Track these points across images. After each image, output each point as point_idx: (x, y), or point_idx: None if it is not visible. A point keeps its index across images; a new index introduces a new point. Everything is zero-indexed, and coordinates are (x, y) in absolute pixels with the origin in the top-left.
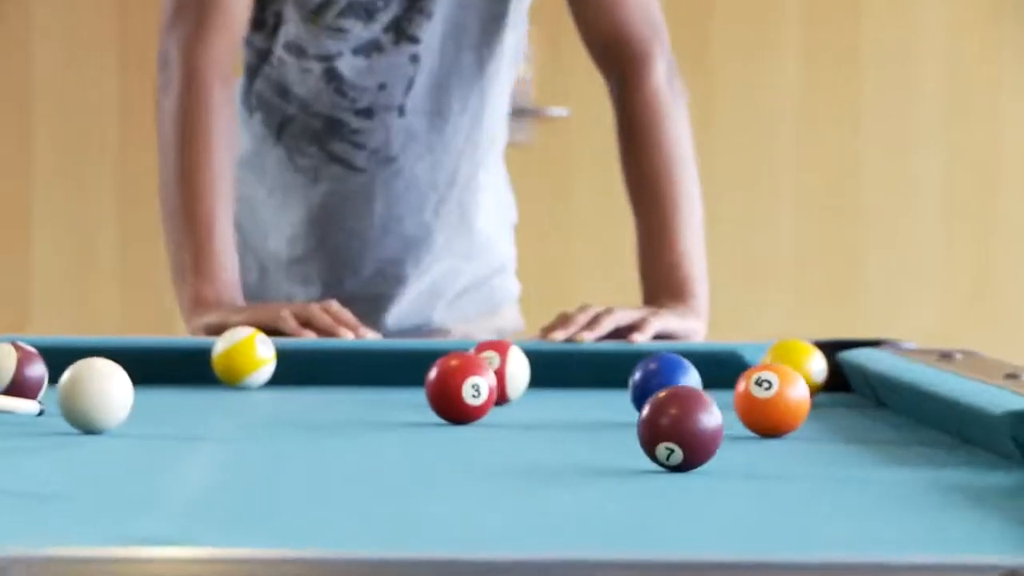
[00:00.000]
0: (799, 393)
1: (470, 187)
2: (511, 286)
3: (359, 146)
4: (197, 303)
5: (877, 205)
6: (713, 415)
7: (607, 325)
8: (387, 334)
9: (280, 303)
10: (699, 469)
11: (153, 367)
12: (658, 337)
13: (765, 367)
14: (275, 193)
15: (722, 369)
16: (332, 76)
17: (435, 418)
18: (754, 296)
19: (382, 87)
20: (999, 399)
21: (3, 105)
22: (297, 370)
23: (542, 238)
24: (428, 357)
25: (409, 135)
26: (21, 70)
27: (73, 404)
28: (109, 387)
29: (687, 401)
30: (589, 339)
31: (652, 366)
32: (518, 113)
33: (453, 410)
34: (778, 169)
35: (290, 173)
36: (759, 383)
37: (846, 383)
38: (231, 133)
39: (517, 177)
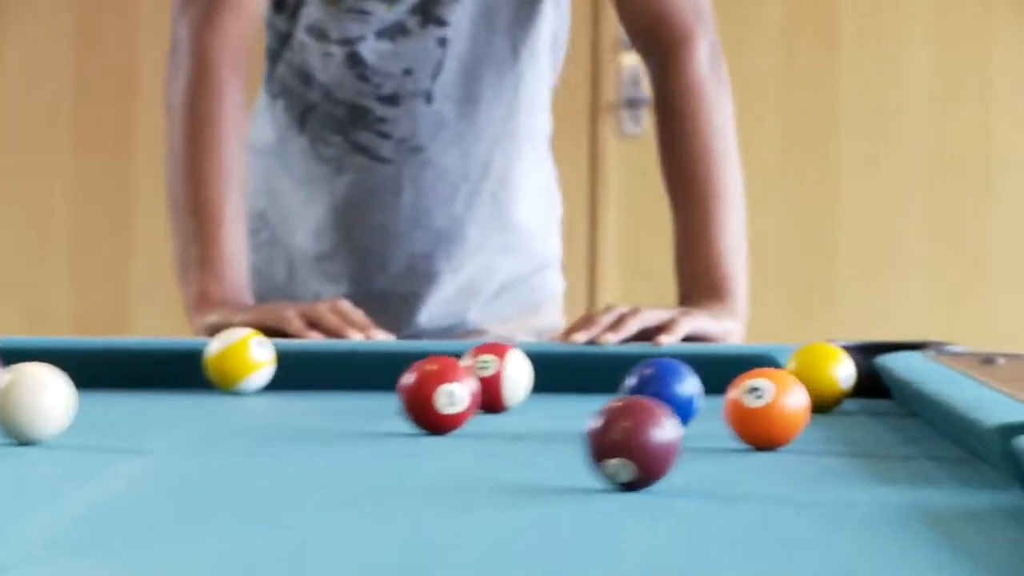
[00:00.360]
0: (795, 402)
1: (506, 180)
2: (554, 284)
3: (384, 135)
4: (202, 302)
5: (1011, 198)
6: (668, 429)
7: (632, 326)
8: (420, 334)
9: (287, 303)
10: (653, 488)
11: (146, 369)
12: (689, 339)
13: (758, 373)
14: (301, 185)
15: None
16: (355, 61)
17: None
18: (883, 291)
19: (408, 72)
20: (1004, 410)
21: (108, 105)
22: (299, 374)
23: (656, 234)
24: None
25: (438, 123)
26: (126, 71)
27: (1, 412)
28: (41, 394)
29: (639, 413)
30: (613, 341)
31: (648, 371)
32: (631, 104)
33: (426, 419)
34: (907, 159)
35: (314, 164)
36: (751, 391)
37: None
38: (242, 123)
39: (630, 170)
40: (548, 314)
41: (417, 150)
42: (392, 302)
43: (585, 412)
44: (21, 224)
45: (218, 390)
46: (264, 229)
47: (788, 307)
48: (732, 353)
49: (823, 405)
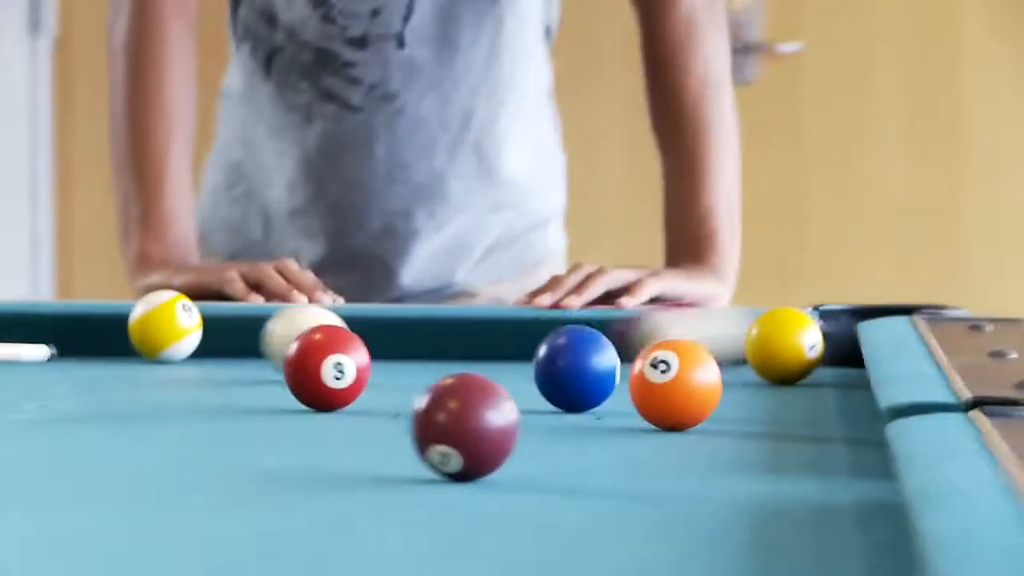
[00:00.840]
0: (706, 377)
1: (490, 131)
2: (555, 241)
3: (354, 81)
4: (142, 262)
5: None
6: (502, 412)
7: (596, 288)
8: (403, 297)
9: (231, 263)
10: (486, 479)
11: (71, 335)
12: (656, 300)
13: (665, 344)
14: (273, 135)
15: None
16: (319, 1)
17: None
18: (1015, 258)
19: (376, 13)
20: (915, 389)
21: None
22: (233, 342)
23: (771, 186)
24: (390, 326)
25: (411, 69)
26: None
27: None
28: None
29: (470, 393)
30: (576, 305)
31: (561, 340)
32: (742, 49)
33: (310, 394)
34: None
35: (283, 112)
36: (655, 364)
37: None
38: (188, 71)
39: (742, 120)
40: (547, 273)
41: (389, 98)
42: (372, 262)
43: (514, 382)
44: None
45: (143, 358)
46: (240, 182)
47: (908, 275)
48: None
49: (788, 376)
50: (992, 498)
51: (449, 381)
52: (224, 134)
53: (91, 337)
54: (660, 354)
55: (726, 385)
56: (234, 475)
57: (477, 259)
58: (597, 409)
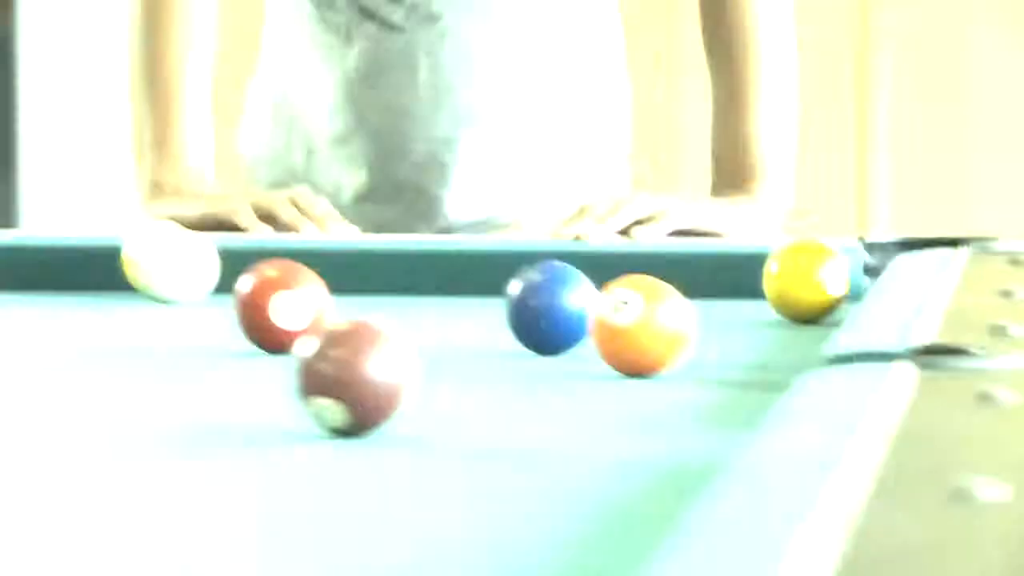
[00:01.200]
0: (672, 319)
1: (543, 60)
2: (616, 170)
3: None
4: (155, 191)
5: None
6: (392, 362)
7: (621, 218)
8: (450, 228)
9: (243, 192)
10: (377, 435)
11: (63, 268)
12: (683, 233)
13: (628, 280)
14: (314, 57)
15: (747, 275)
16: None
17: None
18: None
19: None
20: (882, 333)
21: None
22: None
23: (935, 110)
24: (408, 260)
25: None
26: None
27: None
28: None
29: (359, 341)
30: (596, 237)
31: (535, 278)
32: None
33: (260, 335)
34: None
35: (321, 33)
36: (615, 304)
37: None
38: None
39: (905, 43)
40: None
41: (433, 18)
42: (417, 192)
43: (486, 323)
44: None
45: (139, 294)
46: (282, 108)
47: None
48: (726, 252)
49: (807, 314)
50: (793, 475)
51: (337, 327)
52: (266, 57)
53: (85, 271)
54: (621, 293)
55: (737, 323)
56: (134, 426)
57: (530, 189)
58: (575, 351)
